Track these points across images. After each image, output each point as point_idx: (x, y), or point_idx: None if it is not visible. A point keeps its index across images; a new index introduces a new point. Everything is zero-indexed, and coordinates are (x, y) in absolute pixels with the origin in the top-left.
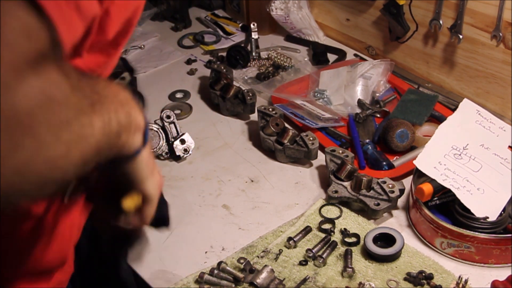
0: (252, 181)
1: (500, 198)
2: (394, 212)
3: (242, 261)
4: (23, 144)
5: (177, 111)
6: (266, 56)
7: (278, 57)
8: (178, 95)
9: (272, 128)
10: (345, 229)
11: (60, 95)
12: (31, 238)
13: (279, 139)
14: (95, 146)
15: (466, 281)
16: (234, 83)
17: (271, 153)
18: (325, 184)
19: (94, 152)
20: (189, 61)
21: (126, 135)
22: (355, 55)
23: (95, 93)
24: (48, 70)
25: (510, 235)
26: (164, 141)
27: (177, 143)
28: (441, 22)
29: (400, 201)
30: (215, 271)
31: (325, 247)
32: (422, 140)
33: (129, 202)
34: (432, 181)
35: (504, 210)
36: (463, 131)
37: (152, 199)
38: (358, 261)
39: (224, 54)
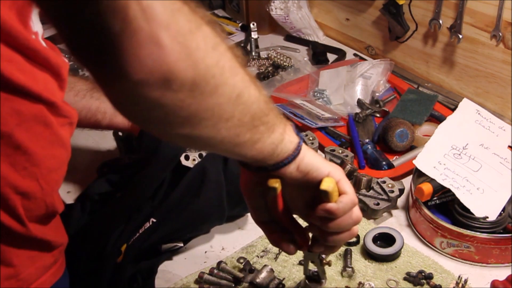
0: None
1: (499, 197)
2: (394, 212)
3: (241, 260)
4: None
5: None
6: (265, 56)
7: (278, 56)
8: None
9: None
10: None
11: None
12: None
13: None
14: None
15: (465, 281)
16: None
17: None
18: None
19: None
20: None
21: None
22: (355, 54)
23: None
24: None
25: (509, 234)
26: None
27: None
28: (440, 21)
29: (400, 201)
30: (215, 271)
31: None
32: (422, 139)
33: (327, 182)
34: (431, 180)
35: (503, 209)
36: (463, 130)
37: (344, 183)
38: (358, 260)
39: None
